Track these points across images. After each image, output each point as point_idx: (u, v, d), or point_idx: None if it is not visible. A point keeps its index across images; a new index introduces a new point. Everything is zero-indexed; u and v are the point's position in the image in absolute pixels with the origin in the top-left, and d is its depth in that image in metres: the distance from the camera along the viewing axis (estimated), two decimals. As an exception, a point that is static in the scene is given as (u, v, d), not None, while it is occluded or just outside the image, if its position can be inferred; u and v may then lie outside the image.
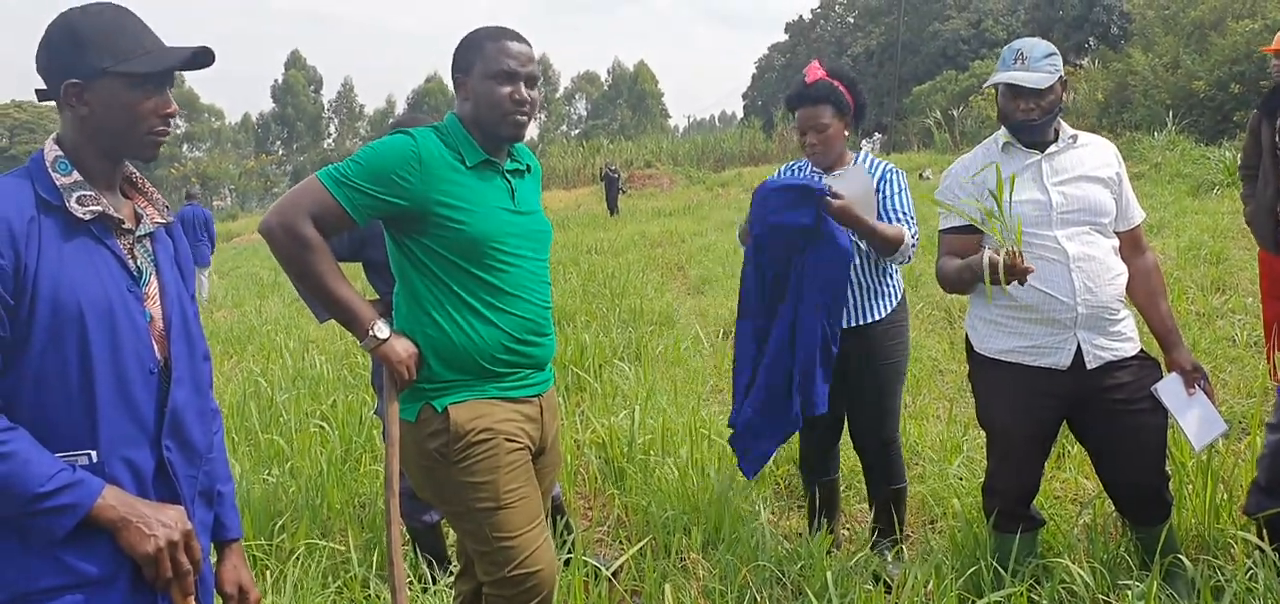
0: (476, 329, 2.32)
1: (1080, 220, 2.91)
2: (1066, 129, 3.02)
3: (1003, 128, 3.04)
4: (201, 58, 1.80)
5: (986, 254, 2.77)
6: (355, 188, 2.23)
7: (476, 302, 2.31)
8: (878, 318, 3.45)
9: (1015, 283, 2.72)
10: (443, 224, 2.27)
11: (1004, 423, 3.09)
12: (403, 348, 2.30)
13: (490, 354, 2.34)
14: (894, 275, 3.54)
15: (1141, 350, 3.02)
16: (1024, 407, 3.02)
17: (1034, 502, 3.24)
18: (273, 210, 2.26)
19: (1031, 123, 2.92)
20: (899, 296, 3.53)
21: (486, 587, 2.42)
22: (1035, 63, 2.89)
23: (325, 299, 2.27)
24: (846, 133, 3.48)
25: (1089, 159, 2.99)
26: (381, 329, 2.28)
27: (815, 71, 3.45)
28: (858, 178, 3.33)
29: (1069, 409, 3.04)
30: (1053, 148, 2.98)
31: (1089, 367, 2.92)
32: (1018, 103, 2.91)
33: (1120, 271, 2.97)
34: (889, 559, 3.45)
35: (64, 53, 1.72)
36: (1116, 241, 3.02)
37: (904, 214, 3.40)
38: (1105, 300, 2.89)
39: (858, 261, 3.39)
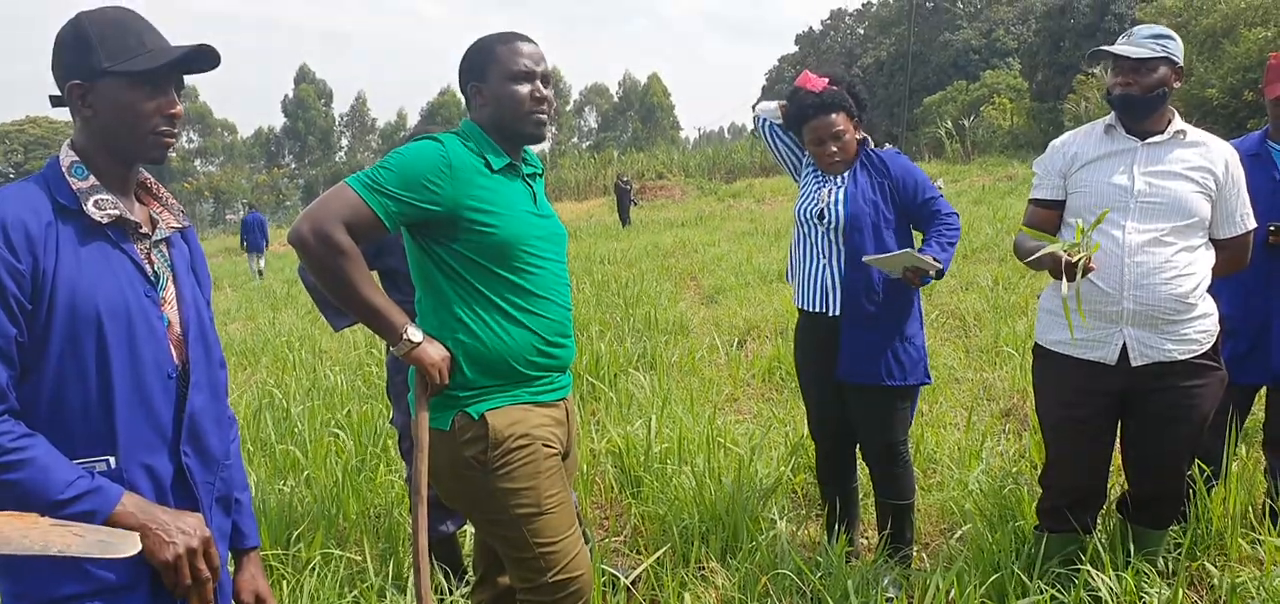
0: (510, 331, 2.29)
1: (1157, 215, 2.83)
2: (1178, 124, 2.93)
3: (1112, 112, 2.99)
4: (203, 57, 1.77)
5: (1056, 250, 2.75)
6: (388, 195, 2.17)
7: (507, 305, 2.28)
8: None
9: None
10: (473, 228, 2.24)
11: (1053, 416, 3.07)
12: (437, 352, 2.25)
13: (523, 357, 2.31)
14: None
15: (1205, 355, 2.90)
16: (1071, 400, 2.99)
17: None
18: (303, 218, 2.18)
19: (1130, 97, 2.85)
20: None
21: (524, 594, 2.39)
22: (1140, 39, 2.87)
23: (359, 306, 2.22)
24: (859, 133, 3.42)
25: (1190, 157, 2.88)
26: (415, 333, 2.24)
27: (815, 81, 3.34)
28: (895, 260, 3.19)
29: (1120, 406, 2.99)
30: (1155, 138, 2.90)
31: (1134, 364, 2.87)
32: (1118, 76, 2.88)
33: (1190, 274, 2.84)
34: (887, 584, 3.26)
35: (69, 54, 1.72)
36: (1199, 244, 2.89)
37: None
38: (1159, 300, 2.80)
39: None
